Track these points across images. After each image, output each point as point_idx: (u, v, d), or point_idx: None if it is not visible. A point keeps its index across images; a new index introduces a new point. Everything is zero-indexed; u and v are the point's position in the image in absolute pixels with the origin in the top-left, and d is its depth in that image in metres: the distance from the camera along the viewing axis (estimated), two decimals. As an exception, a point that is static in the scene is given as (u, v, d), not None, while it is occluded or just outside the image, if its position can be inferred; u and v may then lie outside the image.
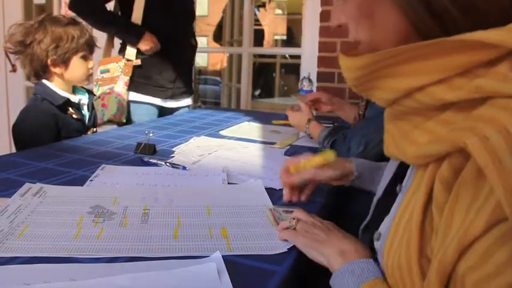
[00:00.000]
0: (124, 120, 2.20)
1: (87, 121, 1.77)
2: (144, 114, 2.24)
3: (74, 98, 1.72)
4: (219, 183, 1.17)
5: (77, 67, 1.68)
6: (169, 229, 0.86)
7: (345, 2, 0.63)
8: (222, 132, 1.81)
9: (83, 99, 1.77)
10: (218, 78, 7.34)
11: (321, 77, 2.64)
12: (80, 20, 1.82)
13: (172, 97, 2.34)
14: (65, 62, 1.66)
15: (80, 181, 1.13)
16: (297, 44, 6.39)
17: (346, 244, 0.74)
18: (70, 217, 0.89)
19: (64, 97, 1.66)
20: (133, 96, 2.24)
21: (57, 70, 1.66)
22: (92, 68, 1.76)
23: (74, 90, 1.76)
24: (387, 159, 0.96)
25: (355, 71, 0.61)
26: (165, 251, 0.77)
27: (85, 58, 1.71)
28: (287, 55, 5.80)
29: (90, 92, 1.84)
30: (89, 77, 1.76)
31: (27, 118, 1.61)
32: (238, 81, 4.39)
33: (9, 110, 3.86)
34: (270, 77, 5.63)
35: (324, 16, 2.61)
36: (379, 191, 0.77)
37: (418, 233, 0.54)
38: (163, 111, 2.33)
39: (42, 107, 1.62)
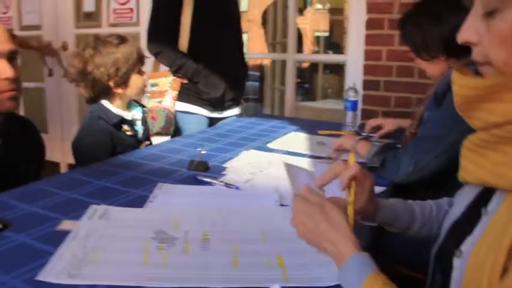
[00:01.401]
0: (172, 132, 2.29)
1: (140, 135, 1.85)
2: (193, 123, 2.32)
3: (128, 115, 1.79)
4: (272, 205, 1.21)
5: (135, 83, 1.77)
6: (229, 257, 0.91)
7: (488, 22, 0.64)
8: (269, 145, 1.85)
9: (136, 114, 1.84)
10: (257, 73, 7.36)
11: (366, 85, 2.65)
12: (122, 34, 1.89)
13: (220, 110, 2.41)
14: (125, 82, 1.74)
15: (139, 201, 1.20)
16: (338, 44, 6.38)
17: (339, 241, 0.75)
18: (136, 243, 0.95)
19: (118, 115, 1.74)
20: (181, 106, 2.32)
21: (119, 90, 1.74)
22: (145, 80, 1.84)
23: (129, 105, 1.84)
24: (434, 179, 0.96)
25: (471, 90, 0.65)
26: (227, 281, 0.82)
27: (140, 72, 1.79)
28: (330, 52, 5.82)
29: (142, 106, 1.92)
30: (144, 89, 1.84)
31: (85, 136, 1.71)
32: (282, 83, 4.43)
33: (63, 115, 4.03)
34: (312, 78, 5.62)
35: (370, 24, 2.62)
36: (456, 214, 0.79)
37: (505, 253, 0.59)
38: (211, 121, 2.40)
39: (98, 125, 1.71)
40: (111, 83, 1.71)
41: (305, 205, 0.81)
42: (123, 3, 3.71)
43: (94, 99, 1.75)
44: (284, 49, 4.58)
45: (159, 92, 2.30)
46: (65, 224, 1.03)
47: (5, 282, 0.80)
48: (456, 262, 0.71)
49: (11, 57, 1.28)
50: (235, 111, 2.53)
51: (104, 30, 3.67)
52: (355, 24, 2.73)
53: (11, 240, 0.96)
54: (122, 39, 1.77)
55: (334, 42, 6.28)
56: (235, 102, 2.49)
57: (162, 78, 2.32)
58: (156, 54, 2.28)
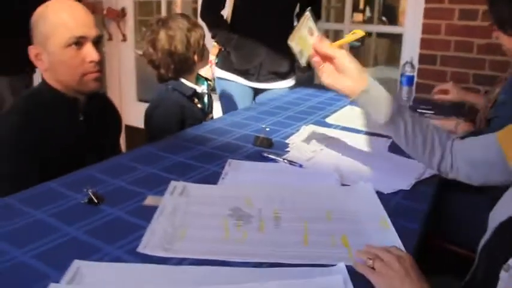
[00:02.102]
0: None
1: (206, 108, 1.96)
2: (231, 90, 2.47)
3: (199, 89, 1.91)
4: (333, 184, 1.30)
5: (207, 55, 1.92)
6: (299, 235, 1.02)
7: None
8: (328, 120, 1.92)
9: (204, 88, 1.96)
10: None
11: (422, 59, 2.66)
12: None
13: (258, 80, 2.51)
14: (204, 55, 1.90)
15: (213, 178, 1.31)
16: (393, 8, 6.23)
17: None
18: (215, 220, 1.07)
19: (192, 88, 1.87)
20: (220, 73, 2.50)
21: (200, 65, 1.90)
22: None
23: (197, 79, 1.95)
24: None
25: None
26: (299, 258, 0.92)
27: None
28: (384, 18, 5.70)
29: (207, 80, 2.03)
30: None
31: (158, 107, 1.84)
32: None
33: (120, 77, 4.19)
34: (363, 41, 5.54)
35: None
36: (504, 215, 0.84)
37: None
38: (255, 91, 2.54)
39: (172, 98, 1.84)
40: (195, 58, 1.86)
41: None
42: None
43: (174, 78, 1.87)
44: (338, 14, 4.58)
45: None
46: (151, 200, 1.16)
47: (109, 253, 0.93)
48: (503, 275, 0.75)
49: (96, 41, 1.40)
50: (288, 82, 2.60)
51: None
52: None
53: (106, 214, 1.09)
54: (187, 17, 1.88)
55: (388, 5, 6.10)
56: (280, 75, 2.55)
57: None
58: (201, 18, 2.45)
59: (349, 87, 1.16)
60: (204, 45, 1.88)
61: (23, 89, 2.43)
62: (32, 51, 1.38)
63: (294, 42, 1.23)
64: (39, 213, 1.08)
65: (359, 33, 1.23)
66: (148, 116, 1.84)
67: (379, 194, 1.23)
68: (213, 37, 2.45)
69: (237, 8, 2.41)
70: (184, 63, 1.83)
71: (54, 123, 1.39)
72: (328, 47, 1.16)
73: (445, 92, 2.08)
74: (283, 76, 2.57)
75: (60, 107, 1.43)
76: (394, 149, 1.57)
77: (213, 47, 2.48)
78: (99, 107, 1.56)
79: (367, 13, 6.28)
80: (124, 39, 4.08)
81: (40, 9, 1.37)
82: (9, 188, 1.23)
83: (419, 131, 1.17)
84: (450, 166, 1.17)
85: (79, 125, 1.47)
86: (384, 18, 6.41)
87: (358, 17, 6.16)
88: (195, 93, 1.89)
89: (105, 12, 3.92)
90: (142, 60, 1.97)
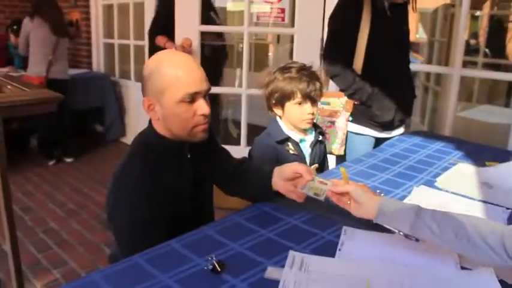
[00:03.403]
0: (343, 153, 2.39)
1: (307, 157, 1.99)
2: (362, 144, 2.40)
3: (295, 136, 1.98)
4: (452, 267, 1.26)
5: (290, 111, 1.96)
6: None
7: None
8: (438, 184, 1.85)
9: (308, 137, 2.00)
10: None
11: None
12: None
13: (390, 129, 2.45)
14: (281, 105, 1.98)
15: (330, 247, 1.32)
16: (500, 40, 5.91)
17: None
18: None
19: (285, 134, 1.96)
20: (353, 127, 2.40)
21: (278, 111, 1.99)
22: (307, 112, 1.94)
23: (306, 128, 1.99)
24: None
25: None
26: None
27: (300, 104, 1.93)
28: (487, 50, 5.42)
29: (319, 129, 2.05)
30: (307, 120, 1.96)
31: (254, 149, 2.00)
32: (437, 83, 4.29)
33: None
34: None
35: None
36: None
37: None
38: (377, 141, 2.46)
39: (265, 140, 1.99)
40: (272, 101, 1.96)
41: None
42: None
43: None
44: (441, 48, 4.44)
45: (331, 111, 2.40)
46: (272, 272, 1.18)
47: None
48: None
49: (205, 95, 1.47)
50: (401, 130, 2.56)
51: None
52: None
53: (230, 285, 1.12)
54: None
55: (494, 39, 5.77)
56: (402, 122, 2.52)
57: (335, 98, 2.41)
58: (333, 77, 2.37)
59: (368, 213, 1.36)
60: (281, 98, 1.96)
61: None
62: (145, 102, 1.46)
63: (306, 189, 1.48)
64: (165, 278, 1.14)
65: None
66: (249, 152, 2.02)
67: (503, 284, 1.17)
68: (351, 95, 2.38)
69: (369, 55, 2.32)
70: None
71: (166, 167, 1.48)
72: (341, 187, 1.42)
73: None
74: (404, 121, 2.56)
75: (169, 151, 1.50)
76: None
77: (345, 102, 2.41)
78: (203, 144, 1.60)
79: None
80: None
81: (153, 62, 1.44)
82: (140, 235, 1.35)
83: (450, 229, 1.20)
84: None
85: (187, 164, 1.55)
86: (486, 50, 6.10)
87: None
88: (290, 139, 1.97)
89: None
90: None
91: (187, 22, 3.74)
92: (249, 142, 3.99)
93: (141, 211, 1.39)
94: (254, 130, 3.84)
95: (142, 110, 1.48)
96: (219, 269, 1.17)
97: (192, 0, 3.68)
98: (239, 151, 3.49)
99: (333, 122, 2.39)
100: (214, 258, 1.19)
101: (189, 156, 1.56)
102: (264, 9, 4.17)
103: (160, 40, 3.89)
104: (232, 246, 1.30)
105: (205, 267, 1.18)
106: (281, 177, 1.57)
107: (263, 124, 2.27)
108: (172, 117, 1.43)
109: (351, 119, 2.42)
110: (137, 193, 1.40)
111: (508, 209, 1.63)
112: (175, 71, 1.40)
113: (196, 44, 3.77)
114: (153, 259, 1.23)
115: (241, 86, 4.02)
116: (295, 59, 3.70)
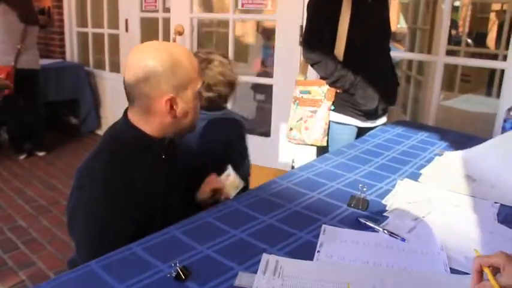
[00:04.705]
0: (325, 144, 2.27)
1: None
2: (344, 134, 2.28)
3: None
4: (441, 269, 1.15)
5: None
6: None
7: None
8: (421, 179, 1.73)
9: None
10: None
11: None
12: None
13: (373, 118, 2.35)
14: None
15: (307, 249, 1.19)
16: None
17: None
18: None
19: None
20: (336, 117, 2.28)
21: None
22: None
23: None
24: None
25: None
26: None
27: None
28: (469, 41, 5.38)
29: None
30: None
31: None
32: (419, 72, 4.19)
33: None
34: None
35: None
36: None
37: None
38: (359, 131, 2.35)
39: None
40: None
41: None
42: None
43: None
44: (424, 37, 4.34)
45: (311, 100, 2.28)
46: (243, 279, 1.06)
47: None
48: None
49: None
50: (384, 119, 2.46)
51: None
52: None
53: (196, 295, 1.00)
54: None
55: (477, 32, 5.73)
56: (385, 111, 2.42)
57: (315, 86, 2.28)
58: (314, 64, 2.24)
59: None
60: None
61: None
62: (165, 101, 1.31)
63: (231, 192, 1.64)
64: (123, 287, 1.01)
65: None
66: None
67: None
68: (333, 82, 2.25)
69: (350, 43, 2.20)
70: None
71: (138, 165, 1.38)
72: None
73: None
74: (387, 110, 2.45)
75: (146, 149, 1.40)
76: (504, 218, 1.43)
77: (327, 91, 2.27)
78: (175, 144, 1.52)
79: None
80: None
81: (164, 55, 1.30)
82: (99, 243, 1.26)
83: None
84: None
85: (161, 164, 1.44)
86: (469, 41, 6.06)
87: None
88: None
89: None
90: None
91: (181, 10, 3.95)
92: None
93: (105, 214, 1.28)
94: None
95: (118, 100, 1.37)
96: (183, 277, 1.05)
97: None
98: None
99: (314, 112, 2.27)
100: (178, 264, 1.06)
101: (164, 157, 1.44)
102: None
103: None
104: (199, 250, 1.17)
105: (168, 275, 1.05)
106: (204, 195, 1.64)
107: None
108: (192, 111, 1.39)
109: (333, 108, 2.29)
110: (101, 193, 1.29)
111: (496, 202, 1.53)
112: (191, 62, 1.35)
113: (188, 30, 3.95)
114: (110, 266, 1.10)
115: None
116: (276, 46, 3.60)
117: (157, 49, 1.32)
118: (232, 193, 1.61)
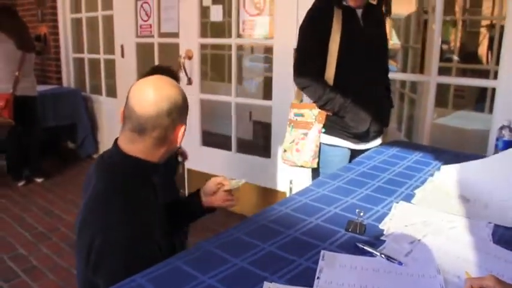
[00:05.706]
0: (316, 166, 2.30)
1: None
2: (336, 156, 2.32)
3: None
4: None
5: None
6: None
7: None
8: (414, 201, 1.75)
9: None
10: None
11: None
12: None
13: (365, 140, 2.38)
14: None
15: (308, 275, 1.22)
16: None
17: None
18: None
19: None
20: (326, 139, 2.32)
21: None
22: None
23: None
24: None
25: None
26: None
27: None
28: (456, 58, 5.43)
29: None
30: None
31: None
32: (413, 90, 4.24)
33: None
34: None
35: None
36: None
37: None
38: (353, 153, 2.38)
39: None
40: None
41: None
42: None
43: None
44: (415, 55, 4.41)
45: (305, 122, 2.32)
46: (245, 309, 1.08)
47: None
48: None
49: None
50: (379, 141, 2.49)
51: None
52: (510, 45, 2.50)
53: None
54: None
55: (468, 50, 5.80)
56: (379, 133, 2.45)
57: (307, 109, 2.33)
58: (303, 88, 2.29)
59: None
60: None
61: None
62: (182, 131, 1.44)
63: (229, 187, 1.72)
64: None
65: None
66: None
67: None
68: (323, 106, 2.29)
69: (340, 66, 2.24)
70: None
71: (146, 193, 1.44)
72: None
73: None
74: (381, 132, 2.48)
75: (147, 175, 1.46)
76: (499, 238, 1.46)
77: (318, 114, 2.32)
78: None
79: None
80: (190, 82, 4.14)
81: (177, 89, 1.41)
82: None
83: None
84: None
85: (155, 191, 1.50)
86: (455, 58, 6.11)
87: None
88: None
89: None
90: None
91: (190, 35, 4.18)
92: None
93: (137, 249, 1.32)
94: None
95: (115, 125, 1.43)
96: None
97: (193, 15, 4.12)
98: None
99: (305, 134, 2.31)
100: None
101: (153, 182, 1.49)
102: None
103: None
104: (201, 279, 1.20)
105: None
106: (207, 194, 1.74)
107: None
108: (182, 137, 1.46)
109: (323, 130, 2.33)
110: (130, 230, 1.32)
111: (490, 223, 1.56)
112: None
113: (196, 54, 4.18)
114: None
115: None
116: (274, 69, 3.67)
117: (170, 83, 1.41)
118: (234, 185, 1.72)
